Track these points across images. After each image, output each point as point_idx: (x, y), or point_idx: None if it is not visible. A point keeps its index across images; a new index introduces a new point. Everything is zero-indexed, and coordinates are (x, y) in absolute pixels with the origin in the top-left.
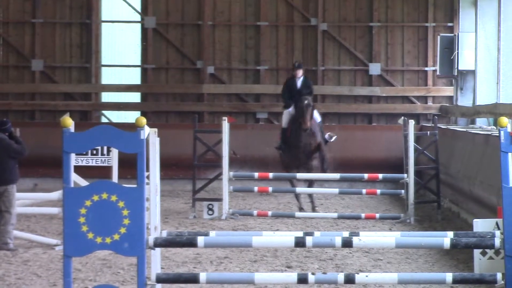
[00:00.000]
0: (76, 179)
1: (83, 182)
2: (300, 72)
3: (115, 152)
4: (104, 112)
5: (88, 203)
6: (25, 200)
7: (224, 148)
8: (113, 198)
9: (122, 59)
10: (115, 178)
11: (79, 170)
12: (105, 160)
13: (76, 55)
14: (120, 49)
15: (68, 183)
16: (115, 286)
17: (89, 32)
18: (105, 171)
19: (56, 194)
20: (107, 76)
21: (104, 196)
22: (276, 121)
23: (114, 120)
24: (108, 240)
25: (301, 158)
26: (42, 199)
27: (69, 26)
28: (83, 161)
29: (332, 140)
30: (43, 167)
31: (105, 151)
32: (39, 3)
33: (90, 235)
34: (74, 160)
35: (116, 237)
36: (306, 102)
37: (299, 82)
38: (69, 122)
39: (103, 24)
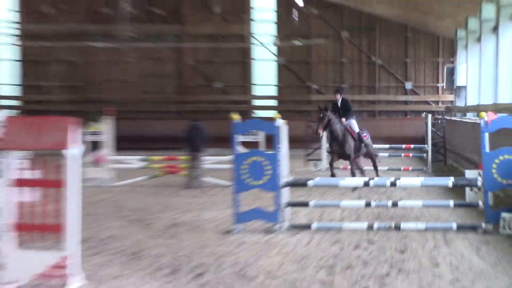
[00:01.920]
0: (240, 149)
1: (244, 150)
2: (338, 95)
3: (261, 133)
4: (254, 111)
5: (247, 161)
6: (213, 160)
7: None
8: (261, 159)
9: (266, 80)
10: (262, 148)
11: (242, 144)
12: (256, 138)
13: (238, 78)
14: (264, 76)
15: (236, 151)
16: (262, 209)
17: (248, 66)
18: (256, 145)
19: (230, 157)
20: (257, 90)
21: (256, 158)
22: None
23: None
24: (258, 182)
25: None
26: (222, 160)
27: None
28: (244, 138)
29: (367, 140)
30: (223, 141)
31: (255, 133)
32: None
33: (248, 180)
34: (239, 138)
35: (262, 181)
36: (321, 115)
37: (339, 103)
38: (236, 116)
39: (255, 61)
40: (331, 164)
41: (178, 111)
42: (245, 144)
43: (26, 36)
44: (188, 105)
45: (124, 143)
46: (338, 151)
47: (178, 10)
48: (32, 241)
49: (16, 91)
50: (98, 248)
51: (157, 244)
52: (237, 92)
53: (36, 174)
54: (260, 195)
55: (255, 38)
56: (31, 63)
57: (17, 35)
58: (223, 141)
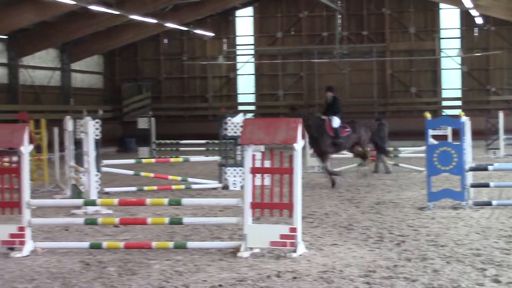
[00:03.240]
0: (432, 141)
1: (435, 142)
2: (327, 94)
3: (449, 128)
4: (443, 110)
5: (438, 151)
6: (410, 150)
7: None
8: (449, 149)
9: (452, 85)
10: (449, 139)
11: (433, 137)
12: (445, 132)
13: (429, 84)
14: (451, 81)
15: (428, 142)
16: (451, 189)
17: (437, 74)
18: (444, 137)
19: (423, 148)
20: (445, 93)
21: (445, 148)
22: None
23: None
24: (447, 168)
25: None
26: (417, 150)
27: (424, 72)
28: (435, 132)
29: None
30: (417, 135)
31: (444, 128)
32: None
33: (439, 166)
34: (431, 132)
35: (450, 167)
36: (291, 114)
37: (329, 100)
38: (428, 115)
39: (443, 70)
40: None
41: (381, 112)
42: (435, 137)
43: (261, 55)
44: (389, 106)
45: None
46: (314, 147)
47: (381, 32)
48: (264, 216)
49: (252, 99)
50: (317, 222)
51: (365, 218)
52: (428, 95)
53: (267, 164)
54: (450, 177)
55: (443, 51)
56: (264, 76)
57: (253, 55)
58: (418, 135)
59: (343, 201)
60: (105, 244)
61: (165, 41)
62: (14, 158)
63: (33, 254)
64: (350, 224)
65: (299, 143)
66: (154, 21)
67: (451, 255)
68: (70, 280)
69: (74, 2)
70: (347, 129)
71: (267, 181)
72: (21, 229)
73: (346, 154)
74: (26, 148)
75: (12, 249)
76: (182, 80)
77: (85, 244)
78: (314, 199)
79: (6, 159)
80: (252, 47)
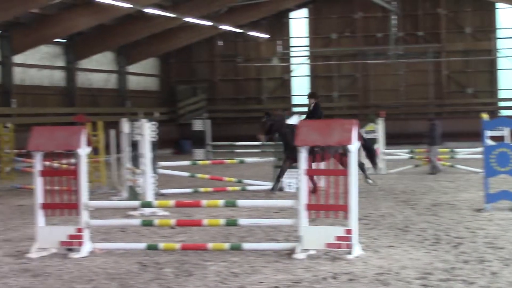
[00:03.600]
0: (489, 142)
1: (492, 143)
2: (310, 100)
3: (507, 129)
4: (500, 111)
5: (495, 152)
6: (466, 151)
7: None
8: (506, 150)
9: (510, 85)
10: (507, 141)
11: (490, 138)
12: (502, 132)
13: (486, 84)
14: (509, 81)
15: (485, 143)
16: (509, 191)
17: (494, 74)
18: (502, 138)
19: (480, 149)
20: (502, 94)
21: (502, 149)
22: None
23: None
24: (504, 169)
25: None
26: (474, 152)
27: (481, 73)
28: (492, 133)
29: None
30: (474, 136)
31: (502, 128)
32: None
33: (496, 167)
34: (488, 133)
35: (508, 168)
36: (263, 121)
37: (311, 107)
38: (485, 116)
39: (501, 70)
40: (282, 170)
41: (437, 112)
42: (493, 138)
43: (315, 57)
44: (445, 107)
45: (391, 140)
46: (290, 155)
47: (436, 32)
48: (319, 218)
49: (306, 101)
50: (373, 224)
51: (421, 220)
52: (485, 96)
53: (321, 165)
54: (507, 180)
55: (500, 51)
56: (318, 78)
57: (308, 56)
58: (474, 136)
59: (398, 203)
60: (161, 245)
61: (220, 43)
62: (72, 160)
63: (91, 255)
64: (406, 226)
65: (354, 145)
66: (208, 23)
67: (510, 257)
68: (127, 281)
69: (130, 6)
70: None
71: (323, 182)
72: (79, 230)
73: (401, 155)
74: (84, 150)
75: (70, 250)
76: (237, 82)
77: (142, 245)
78: (369, 200)
79: (64, 161)
80: (307, 48)
